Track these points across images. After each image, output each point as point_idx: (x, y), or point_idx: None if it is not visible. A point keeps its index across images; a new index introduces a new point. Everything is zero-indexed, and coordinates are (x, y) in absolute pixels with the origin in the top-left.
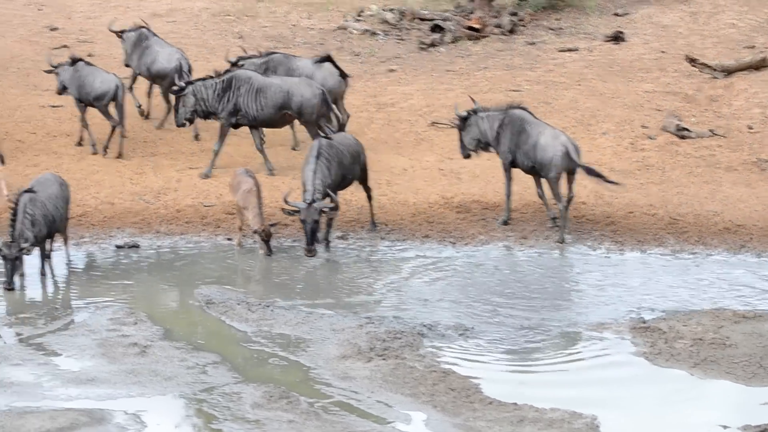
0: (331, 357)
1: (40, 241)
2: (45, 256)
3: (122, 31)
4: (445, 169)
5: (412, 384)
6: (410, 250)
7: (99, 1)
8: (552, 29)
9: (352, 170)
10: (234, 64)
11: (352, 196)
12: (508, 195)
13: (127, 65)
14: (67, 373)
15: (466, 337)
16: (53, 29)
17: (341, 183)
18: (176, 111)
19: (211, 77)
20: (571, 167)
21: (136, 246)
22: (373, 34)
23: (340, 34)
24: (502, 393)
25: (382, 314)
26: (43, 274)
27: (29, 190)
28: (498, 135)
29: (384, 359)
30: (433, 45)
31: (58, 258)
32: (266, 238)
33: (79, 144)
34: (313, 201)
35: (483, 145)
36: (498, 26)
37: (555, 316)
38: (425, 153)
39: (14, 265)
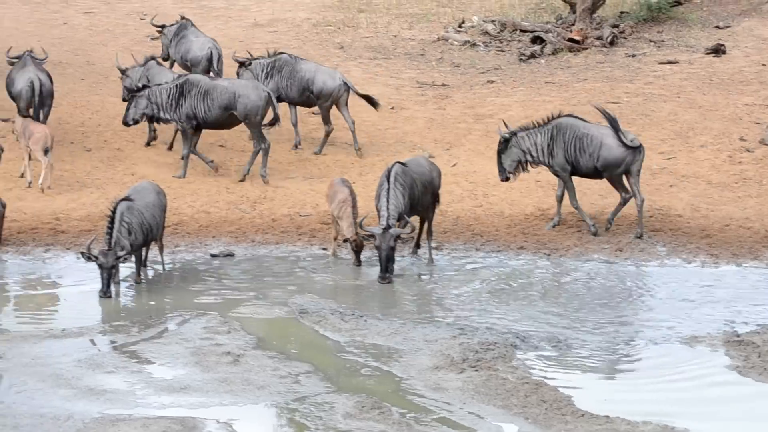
0: (423, 368)
1: (135, 249)
2: (141, 264)
3: (163, 26)
4: (542, 181)
5: (504, 395)
6: (504, 261)
7: (201, 12)
8: (653, 41)
9: (422, 200)
10: (242, 65)
11: (447, 206)
12: (577, 207)
13: (164, 59)
14: (160, 382)
15: (558, 348)
16: (155, 39)
17: (411, 211)
18: (127, 109)
19: (167, 83)
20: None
21: (231, 255)
22: (474, 45)
23: (440, 45)
24: (594, 405)
25: (475, 325)
26: (138, 282)
27: (126, 199)
28: (550, 148)
29: (476, 370)
30: (533, 56)
31: (153, 266)
32: (358, 248)
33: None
34: (389, 227)
35: (523, 165)
36: (599, 38)
37: (648, 329)
38: None
39: (110, 273)
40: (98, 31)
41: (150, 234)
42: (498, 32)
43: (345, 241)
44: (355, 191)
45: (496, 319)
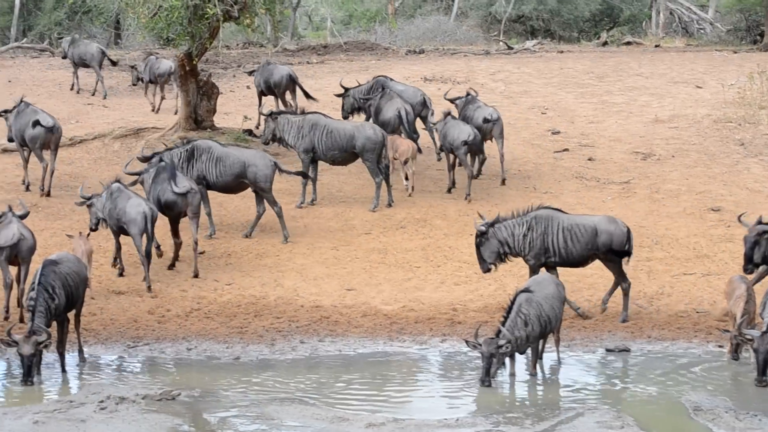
0: None
1: (532, 341)
2: (536, 357)
3: (455, 99)
4: None
5: None
6: None
7: (602, 107)
8: None
9: None
10: (345, 91)
11: None
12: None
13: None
14: None
15: None
16: (555, 133)
17: None
18: None
19: (177, 147)
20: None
21: (626, 350)
22: None
23: None
24: None
25: None
26: (532, 374)
27: (525, 290)
28: (526, 239)
29: None
30: None
31: (547, 358)
32: (731, 344)
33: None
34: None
35: (503, 255)
36: None
37: None
38: None
39: (490, 361)
40: None
41: (548, 326)
42: None
43: (725, 331)
44: (753, 289)
45: None
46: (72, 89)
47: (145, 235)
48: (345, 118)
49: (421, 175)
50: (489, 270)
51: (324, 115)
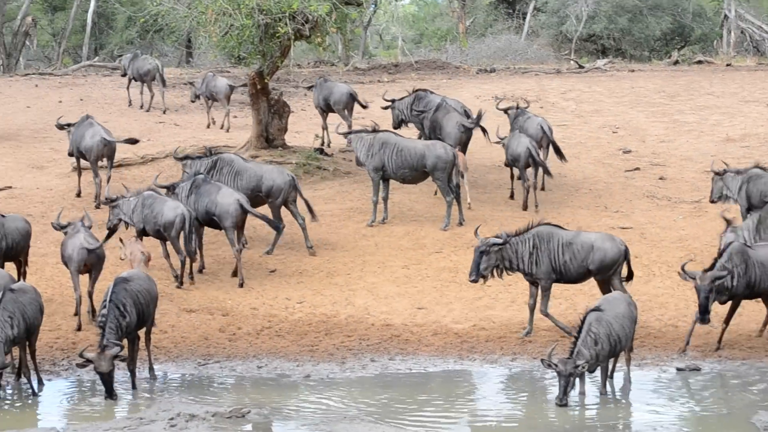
0: None
1: (602, 360)
2: (606, 376)
3: (508, 109)
4: None
5: None
6: None
7: (673, 126)
8: None
9: None
10: (391, 103)
11: None
12: (548, 314)
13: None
14: None
15: None
16: (626, 152)
17: None
18: None
19: (200, 157)
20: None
21: (697, 369)
22: None
23: None
24: None
25: None
26: (602, 393)
27: (596, 309)
28: (533, 257)
29: None
30: None
31: (618, 377)
32: None
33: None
34: None
35: (500, 272)
36: None
37: None
38: None
39: (567, 381)
40: (571, 144)
41: (618, 345)
42: None
43: None
44: None
45: None
46: (142, 108)
47: (183, 237)
48: (396, 128)
49: (492, 193)
50: (476, 281)
51: (395, 133)
